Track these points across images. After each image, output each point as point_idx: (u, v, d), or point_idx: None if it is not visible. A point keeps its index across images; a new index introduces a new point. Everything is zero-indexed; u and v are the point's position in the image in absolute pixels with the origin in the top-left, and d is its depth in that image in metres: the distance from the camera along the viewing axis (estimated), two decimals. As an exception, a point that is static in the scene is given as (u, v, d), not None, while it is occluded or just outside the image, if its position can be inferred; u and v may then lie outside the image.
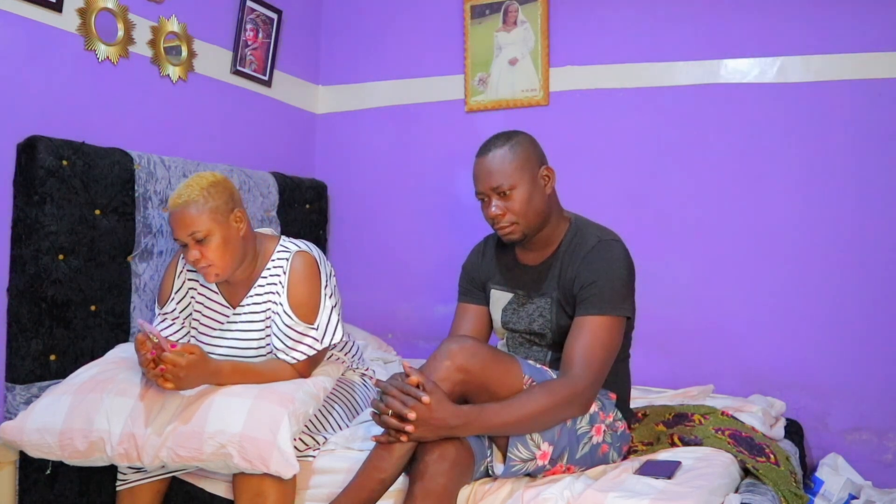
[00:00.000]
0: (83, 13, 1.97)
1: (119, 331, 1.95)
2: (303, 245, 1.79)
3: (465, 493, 1.51)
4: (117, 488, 1.70)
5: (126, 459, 1.53)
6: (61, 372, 1.79)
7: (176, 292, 1.80)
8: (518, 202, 1.61)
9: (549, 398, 1.46)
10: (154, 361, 1.49)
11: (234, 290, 1.77)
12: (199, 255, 1.63)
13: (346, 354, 1.93)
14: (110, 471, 1.74)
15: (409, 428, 1.38)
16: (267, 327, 1.75)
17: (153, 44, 2.20)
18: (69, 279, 1.83)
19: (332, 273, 1.82)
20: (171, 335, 1.79)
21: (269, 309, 1.74)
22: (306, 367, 1.72)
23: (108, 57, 2.05)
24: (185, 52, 2.31)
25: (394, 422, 1.40)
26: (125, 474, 1.69)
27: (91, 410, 1.54)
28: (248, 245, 1.73)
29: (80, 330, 1.86)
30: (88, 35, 1.99)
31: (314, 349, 1.71)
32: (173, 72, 2.28)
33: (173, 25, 2.26)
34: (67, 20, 1.94)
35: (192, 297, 1.81)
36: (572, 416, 1.53)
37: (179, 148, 2.30)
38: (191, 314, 1.82)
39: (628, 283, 1.61)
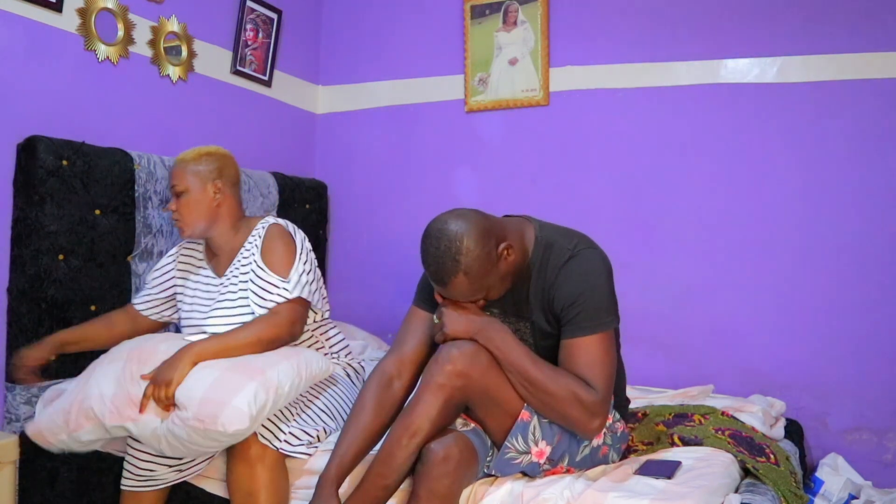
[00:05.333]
0: (83, 13, 1.97)
1: (119, 331, 1.95)
2: (281, 221, 1.85)
3: (465, 493, 1.51)
4: (122, 487, 1.69)
5: (119, 418, 1.54)
6: (61, 372, 1.79)
7: (164, 272, 1.88)
8: (487, 297, 1.55)
9: (568, 391, 1.45)
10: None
11: (220, 261, 1.84)
12: (174, 207, 1.79)
13: (323, 336, 1.92)
14: (110, 471, 1.74)
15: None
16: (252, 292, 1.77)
17: (153, 44, 2.20)
18: (69, 279, 1.83)
19: (310, 249, 1.85)
20: (147, 309, 1.88)
21: (249, 272, 1.77)
22: (287, 315, 1.69)
23: (108, 57, 2.05)
24: (185, 52, 2.31)
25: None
26: (130, 473, 1.68)
27: (86, 384, 1.57)
28: (222, 215, 1.81)
29: (80, 330, 1.86)
30: (88, 35, 1.99)
31: (285, 298, 1.71)
32: (173, 72, 2.28)
33: (173, 25, 2.26)
34: (67, 20, 1.94)
35: (185, 286, 1.85)
36: (580, 430, 1.49)
37: (179, 148, 2.27)
38: (173, 297, 1.88)
39: (610, 291, 1.56)
